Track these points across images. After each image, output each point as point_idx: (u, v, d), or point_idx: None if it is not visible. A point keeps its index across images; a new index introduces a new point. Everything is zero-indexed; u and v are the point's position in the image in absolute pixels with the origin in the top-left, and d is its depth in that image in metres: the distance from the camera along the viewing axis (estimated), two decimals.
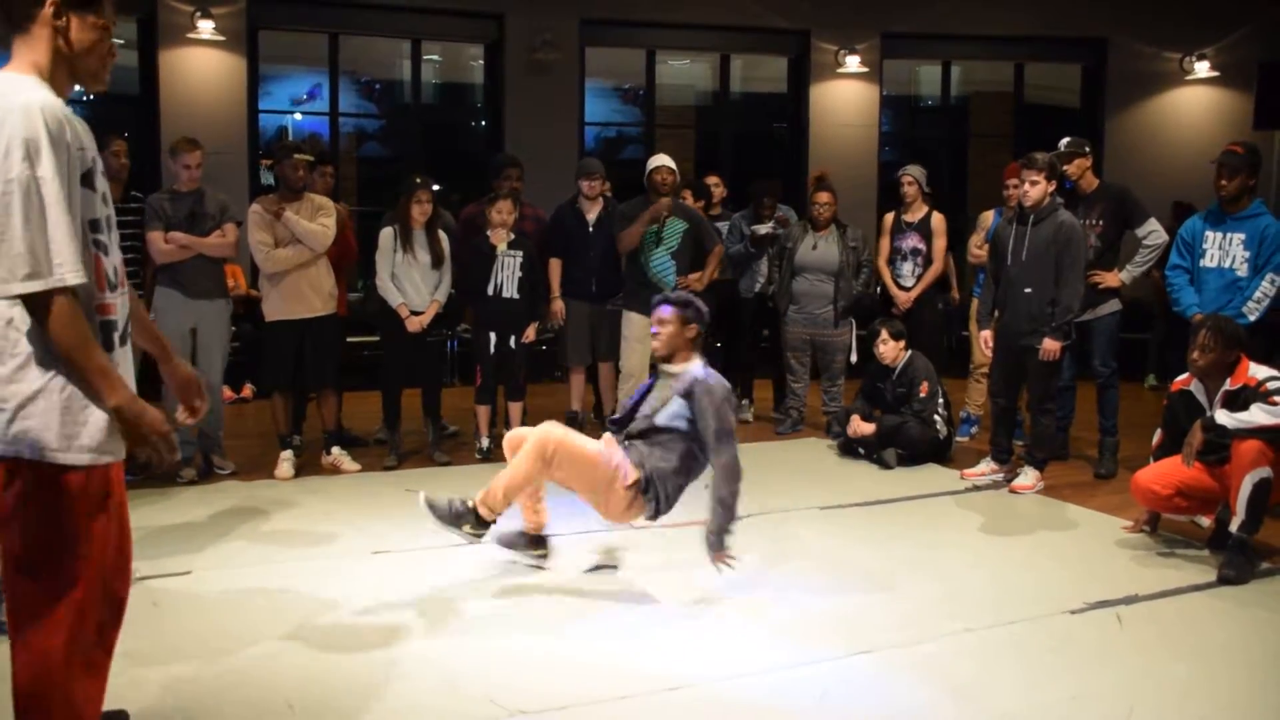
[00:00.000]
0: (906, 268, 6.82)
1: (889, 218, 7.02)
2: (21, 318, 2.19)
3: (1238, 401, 4.24)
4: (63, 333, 2.16)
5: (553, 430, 3.96)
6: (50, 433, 2.20)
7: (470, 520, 3.96)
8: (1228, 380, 4.32)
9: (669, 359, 4.18)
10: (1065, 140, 5.95)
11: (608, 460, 3.98)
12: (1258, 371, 4.29)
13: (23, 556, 2.24)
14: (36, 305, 2.15)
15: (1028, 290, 5.39)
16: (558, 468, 3.94)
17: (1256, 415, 4.14)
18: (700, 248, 6.53)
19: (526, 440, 3.97)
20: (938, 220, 6.80)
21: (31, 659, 2.25)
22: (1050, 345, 5.32)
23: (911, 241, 6.80)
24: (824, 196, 6.86)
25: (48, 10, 2.24)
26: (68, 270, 2.14)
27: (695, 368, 4.13)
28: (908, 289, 6.78)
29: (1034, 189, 5.35)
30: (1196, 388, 4.47)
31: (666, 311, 4.17)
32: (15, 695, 2.27)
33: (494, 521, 4.00)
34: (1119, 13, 10.29)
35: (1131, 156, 10.10)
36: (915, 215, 6.83)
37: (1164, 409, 4.68)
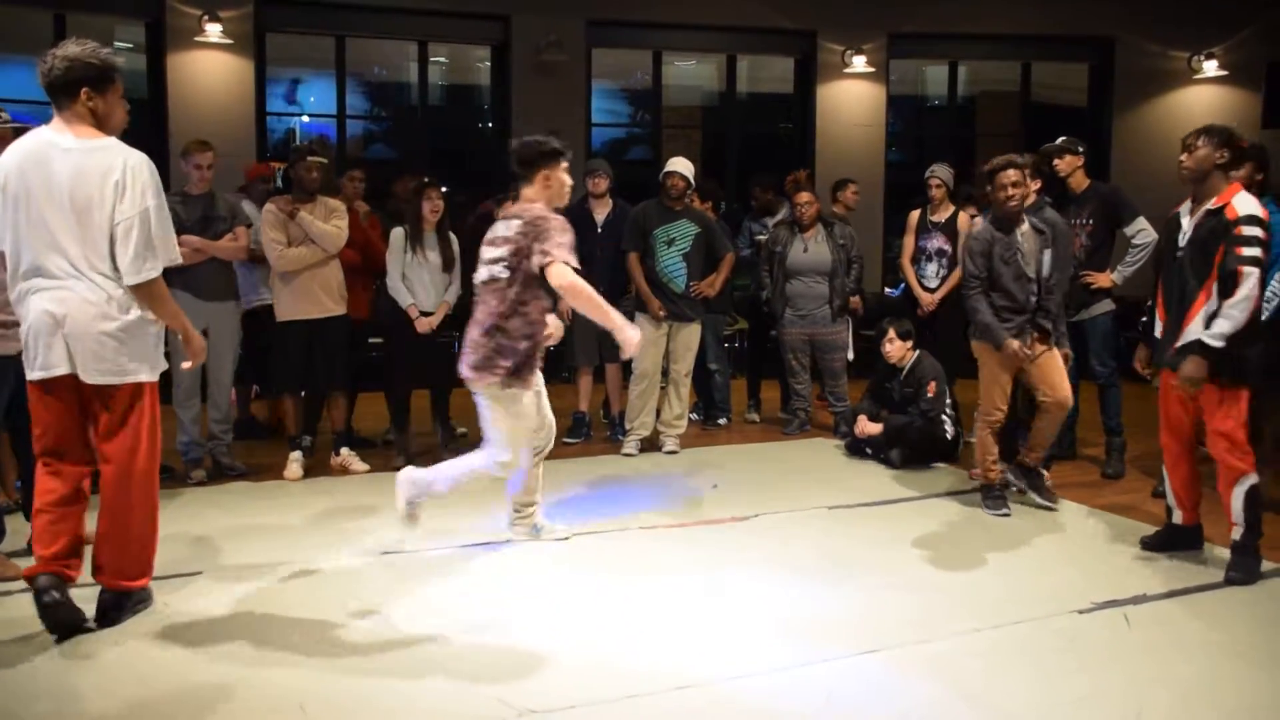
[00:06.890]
0: (931, 268, 6.76)
1: (914, 215, 6.95)
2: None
3: (1207, 226, 4.09)
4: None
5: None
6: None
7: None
8: (1213, 199, 4.12)
9: None
10: (1060, 139, 5.94)
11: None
12: (1241, 204, 4.07)
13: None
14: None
15: None
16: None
17: (1198, 330, 4.05)
18: (713, 253, 6.51)
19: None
20: (964, 220, 6.75)
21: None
22: None
23: (937, 242, 6.74)
24: (804, 196, 6.83)
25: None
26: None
27: None
28: (932, 290, 6.75)
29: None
30: (1185, 209, 4.29)
31: None
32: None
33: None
34: (1126, 12, 10.27)
35: (1139, 156, 10.09)
36: (941, 215, 6.78)
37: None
